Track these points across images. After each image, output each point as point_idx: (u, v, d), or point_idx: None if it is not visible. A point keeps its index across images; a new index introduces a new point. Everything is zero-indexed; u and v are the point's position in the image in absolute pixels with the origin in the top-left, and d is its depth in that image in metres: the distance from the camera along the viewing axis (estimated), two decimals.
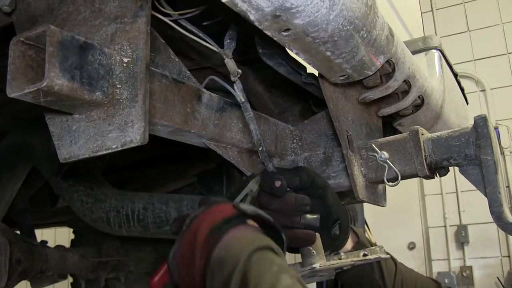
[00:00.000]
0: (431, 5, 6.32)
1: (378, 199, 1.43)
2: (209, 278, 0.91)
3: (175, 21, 1.09)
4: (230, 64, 1.14)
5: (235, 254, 0.89)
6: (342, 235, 1.34)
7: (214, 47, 1.13)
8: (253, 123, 1.21)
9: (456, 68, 2.10)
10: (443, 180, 5.54)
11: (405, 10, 2.28)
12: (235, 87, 1.18)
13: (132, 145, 0.88)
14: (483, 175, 1.26)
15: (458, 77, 2.16)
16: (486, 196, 1.26)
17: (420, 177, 1.33)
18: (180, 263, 1.02)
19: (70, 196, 2.12)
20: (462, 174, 1.32)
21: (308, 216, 1.24)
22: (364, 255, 1.34)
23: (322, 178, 1.35)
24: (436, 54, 1.82)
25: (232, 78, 1.15)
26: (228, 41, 1.18)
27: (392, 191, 1.44)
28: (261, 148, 1.25)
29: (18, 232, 2.53)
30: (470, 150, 1.27)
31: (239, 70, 1.15)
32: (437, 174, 1.37)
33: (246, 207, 1.02)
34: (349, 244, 1.39)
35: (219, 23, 1.21)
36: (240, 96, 1.18)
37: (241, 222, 0.99)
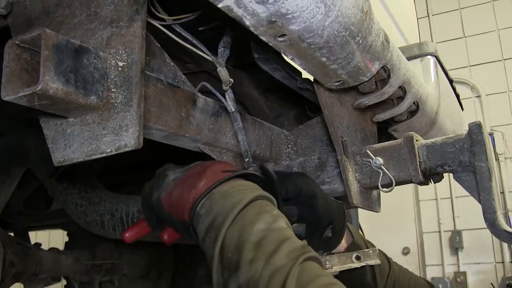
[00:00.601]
0: (427, 10, 6.35)
1: (373, 205, 1.43)
2: (208, 201, 1.02)
3: (170, 27, 1.09)
4: (223, 72, 1.14)
5: (240, 194, 1.01)
6: (335, 237, 1.34)
7: (207, 55, 1.13)
8: (241, 133, 1.22)
9: (452, 74, 2.11)
10: (438, 186, 5.55)
11: (401, 16, 2.29)
12: (226, 96, 1.18)
13: (127, 149, 0.88)
14: (477, 182, 1.26)
15: (453, 83, 2.17)
16: (480, 202, 1.26)
17: (414, 183, 1.34)
18: (179, 185, 1.08)
19: (64, 199, 2.11)
20: (456, 180, 1.32)
21: (294, 225, 1.26)
22: (357, 257, 1.33)
23: (310, 187, 1.31)
24: (431, 60, 1.82)
25: (224, 87, 1.16)
26: (222, 49, 1.18)
27: (386, 197, 1.44)
28: (247, 159, 1.26)
29: (12, 234, 2.52)
30: (465, 157, 1.27)
31: (231, 80, 1.15)
32: (432, 181, 1.37)
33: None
34: (342, 246, 1.39)
35: (214, 28, 1.21)
36: (230, 105, 1.18)
37: (247, 176, 1.12)
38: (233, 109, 1.19)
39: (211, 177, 1.06)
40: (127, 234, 1.25)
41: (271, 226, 0.96)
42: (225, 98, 1.20)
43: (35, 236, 3.35)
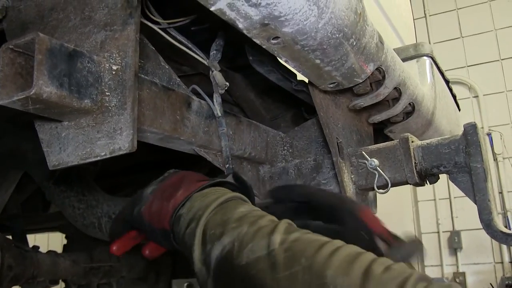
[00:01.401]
0: (424, 11, 6.36)
1: (369, 206, 1.43)
2: (188, 203, 1.03)
3: (165, 30, 1.09)
4: (218, 76, 1.15)
5: (219, 193, 1.04)
6: None
7: (202, 59, 1.14)
8: (224, 139, 1.23)
9: (449, 74, 2.12)
10: (436, 186, 5.56)
11: (397, 17, 2.30)
12: (214, 100, 1.19)
13: (121, 152, 0.88)
14: (472, 183, 1.26)
15: (450, 84, 2.17)
16: (476, 203, 1.26)
17: (410, 184, 1.34)
18: (158, 196, 1.09)
19: (62, 202, 2.11)
20: (452, 181, 1.32)
21: None
22: None
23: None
24: (427, 61, 1.83)
25: (220, 91, 1.16)
26: (214, 52, 1.18)
27: (385, 197, 1.45)
28: (227, 165, 1.27)
29: (10, 237, 2.52)
30: (460, 158, 1.28)
31: (227, 83, 1.16)
32: (428, 182, 1.38)
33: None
34: None
35: (209, 30, 1.21)
36: (217, 110, 1.19)
37: (223, 184, 1.13)
38: (219, 114, 1.19)
39: (188, 186, 1.07)
40: (114, 248, 1.24)
41: (252, 210, 0.99)
42: (213, 102, 1.20)
43: (33, 239, 3.35)
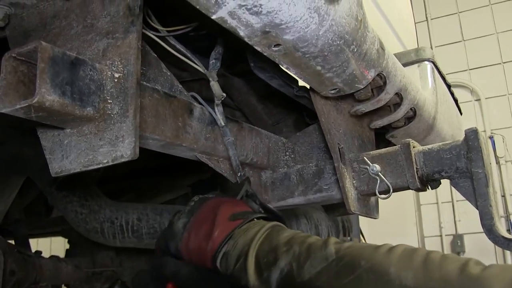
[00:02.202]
0: (425, 15, 6.36)
1: (370, 212, 1.43)
2: (232, 243, 1.07)
3: (165, 39, 1.10)
4: (215, 87, 1.15)
5: (258, 225, 1.09)
6: None
7: (201, 69, 1.14)
8: (232, 148, 1.23)
9: (451, 77, 2.12)
10: (439, 190, 5.55)
11: (398, 22, 2.30)
12: (216, 111, 1.19)
13: (123, 160, 0.89)
14: (474, 188, 1.26)
15: (451, 88, 2.17)
16: (477, 208, 1.26)
17: (411, 189, 1.34)
18: (193, 232, 1.12)
19: (64, 207, 2.12)
20: (454, 186, 1.32)
21: None
22: None
23: None
24: (428, 66, 1.83)
25: (216, 101, 1.16)
26: (214, 61, 1.19)
27: (387, 201, 1.45)
28: (239, 174, 1.27)
29: (13, 242, 2.52)
30: (461, 163, 1.28)
31: (223, 94, 1.16)
32: (429, 187, 1.38)
33: (255, 205, 1.21)
34: None
35: (209, 37, 1.22)
36: (220, 119, 1.19)
37: (255, 216, 1.15)
38: (222, 123, 1.20)
39: (225, 223, 1.10)
40: None
41: (295, 233, 1.04)
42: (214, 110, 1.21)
43: (36, 244, 3.35)
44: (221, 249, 1.07)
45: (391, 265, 0.85)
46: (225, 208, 1.14)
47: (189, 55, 1.13)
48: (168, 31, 1.10)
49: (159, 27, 1.07)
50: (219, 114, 1.19)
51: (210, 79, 1.15)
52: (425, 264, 0.83)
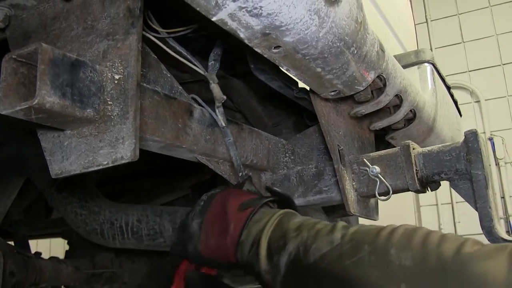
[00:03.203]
0: (425, 16, 6.36)
1: (370, 213, 1.43)
2: (245, 233, 1.10)
3: (165, 40, 1.10)
4: (216, 89, 1.16)
5: (269, 214, 1.12)
6: None
7: (201, 71, 1.14)
8: (232, 148, 1.24)
9: (451, 79, 2.12)
10: (438, 191, 5.53)
11: (398, 23, 2.30)
12: (217, 112, 1.20)
13: (123, 161, 0.89)
14: (473, 190, 1.26)
15: (451, 90, 2.17)
16: (476, 210, 1.27)
17: (411, 191, 1.34)
18: (209, 232, 1.15)
19: (64, 208, 2.12)
20: (453, 188, 1.32)
21: None
22: None
23: None
24: (428, 67, 1.83)
25: (217, 104, 1.17)
26: (213, 62, 1.19)
27: (387, 202, 1.45)
28: (240, 174, 1.28)
29: (12, 243, 2.52)
30: (461, 165, 1.28)
31: (224, 97, 1.17)
32: (429, 189, 1.38)
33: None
34: None
35: (208, 39, 1.22)
36: (221, 120, 1.20)
37: (263, 202, 1.17)
38: (223, 124, 1.20)
39: (237, 216, 1.13)
40: None
41: (305, 219, 1.08)
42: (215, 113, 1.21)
43: (36, 245, 3.35)
44: (240, 241, 1.11)
45: (392, 247, 0.88)
46: (232, 200, 1.17)
47: (189, 57, 1.13)
48: (168, 33, 1.10)
49: (159, 29, 1.07)
50: (220, 115, 1.19)
51: (210, 81, 1.15)
52: (424, 245, 0.86)
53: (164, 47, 1.10)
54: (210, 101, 1.36)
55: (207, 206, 1.19)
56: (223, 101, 1.18)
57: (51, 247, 5.44)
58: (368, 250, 0.91)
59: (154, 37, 1.09)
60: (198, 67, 1.15)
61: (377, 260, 0.89)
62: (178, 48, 1.11)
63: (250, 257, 1.07)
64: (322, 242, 0.97)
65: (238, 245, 1.10)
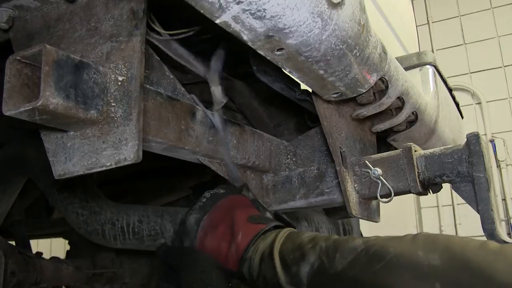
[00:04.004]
0: (427, 18, 6.36)
1: (372, 215, 1.43)
2: (252, 249, 1.12)
3: (167, 42, 1.10)
4: (216, 92, 1.16)
5: (274, 233, 1.14)
6: None
7: (202, 73, 1.14)
8: (225, 148, 1.24)
9: (452, 80, 2.12)
10: (439, 193, 5.53)
11: (400, 25, 2.30)
12: (215, 115, 1.20)
13: (126, 163, 0.89)
14: (475, 192, 1.26)
15: (452, 92, 2.17)
16: (478, 213, 1.27)
17: (413, 193, 1.34)
18: (209, 232, 1.16)
19: (65, 208, 2.12)
20: (455, 191, 1.32)
21: None
22: None
23: None
24: (430, 69, 1.83)
25: (216, 107, 1.17)
26: (215, 63, 1.19)
27: (388, 204, 1.45)
28: (231, 175, 1.29)
29: (13, 243, 2.52)
30: (463, 167, 1.28)
31: (224, 100, 1.17)
32: (430, 191, 1.38)
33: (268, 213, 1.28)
34: None
35: (212, 40, 1.22)
36: (218, 125, 1.20)
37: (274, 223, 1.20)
38: (221, 127, 1.20)
39: (245, 228, 1.15)
40: None
41: (315, 233, 1.11)
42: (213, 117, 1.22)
43: (37, 245, 3.35)
44: (247, 254, 1.12)
45: (418, 249, 0.92)
46: (241, 208, 1.19)
47: (191, 59, 1.13)
48: (170, 35, 1.10)
49: (162, 31, 1.07)
50: (217, 117, 1.19)
51: (211, 84, 1.15)
52: (448, 246, 0.90)
53: (166, 50, 1.10)
54: (212, 103, 1.36)
55: (209, 205, 1.19)
56: (222, 104, 1.18)
57: (52, 247, 5.44)
58: (394, 253, 0.93)
59: (157, 39, 1.09)
60: (199, 70, 1.15)
61: (406, 261, 0.91)
62: (180, 50, 1.12)
63: (264, 270, 1.08)
64: (344, 250, 0.99)
65: (244, 259, 1.11)
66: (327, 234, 1.10)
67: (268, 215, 1.27)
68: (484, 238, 1.25)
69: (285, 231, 1.14)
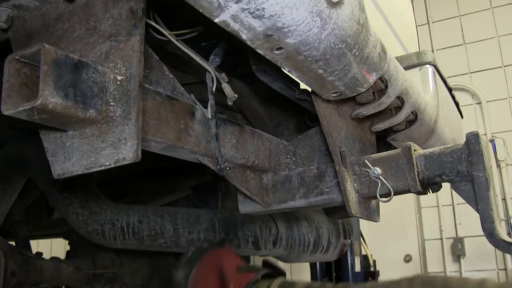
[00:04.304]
0: (427, 18, 6.37)
1: (371, 215, 1.43)
2: None
3: (170, 42, 1.10)
4: (227, 88, 1.16)
5: (266, 283, 1.15)
6: None
7: (211, 71, 1.14)
8: (213, 140, 1.25)
9: (452, 80, 2.12)
10: (439, 193, 5.53)
11: (400, 25, 2.30)
12: (209, 104, 1.20)
13: (125, 162, 0.89)
14: (475, 192, 1.26)
15: (452, 92, 2.17)
16: (478, 212, 1.26)
17: (412, 193, 1.34)
18: (199, 285, 1.19)
19: (65, 208, 2.12)
20: (455, 190, 1.32)
21: None
22: None
23: None
24: (430, 69, 1.83)
25: (229, 102, 1.17)
26: (213, 56, 1.19)
27: (388, 204, 1.45)
28: (218, 167, 1.29)
29: (13, 243, 2.52)
30: (462, 167, 1.28)
31: (235, 95, 1.17)
32: (430, 190, 1.38)
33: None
34: None
35: (210, 39, 1.22)
36: (208, 112, 1.20)
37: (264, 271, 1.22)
38: (209, 116, 1.20)
39: (235, 279, 1.17)
40: None
41: (308, 282, 1.14)
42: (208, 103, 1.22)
43: (37, 245, 3.35)
44: None
45: None
46: (228, 260, 1.20)
47: (198, 59, 1.13)
48: (176, 35, 1.10)
49: (167, 32, 1.07)
50: (209, 107, 1.19)
51: (221, 81, 1.16)
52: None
53: (178, 44, 1.10)
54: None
55: (195, 258, 1.21)
56: (234, 99, 1.18)
57: (52, 248, 5.44)
58: None
59: (162, 39, 1.09)
60: (209, 68, 1.15)
61: None
62: (187, 50, 1.12)
63: None
64: None
65: None
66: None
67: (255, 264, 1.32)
68: (484, 238, 1.26)
69: (278, 280, 1.15)
